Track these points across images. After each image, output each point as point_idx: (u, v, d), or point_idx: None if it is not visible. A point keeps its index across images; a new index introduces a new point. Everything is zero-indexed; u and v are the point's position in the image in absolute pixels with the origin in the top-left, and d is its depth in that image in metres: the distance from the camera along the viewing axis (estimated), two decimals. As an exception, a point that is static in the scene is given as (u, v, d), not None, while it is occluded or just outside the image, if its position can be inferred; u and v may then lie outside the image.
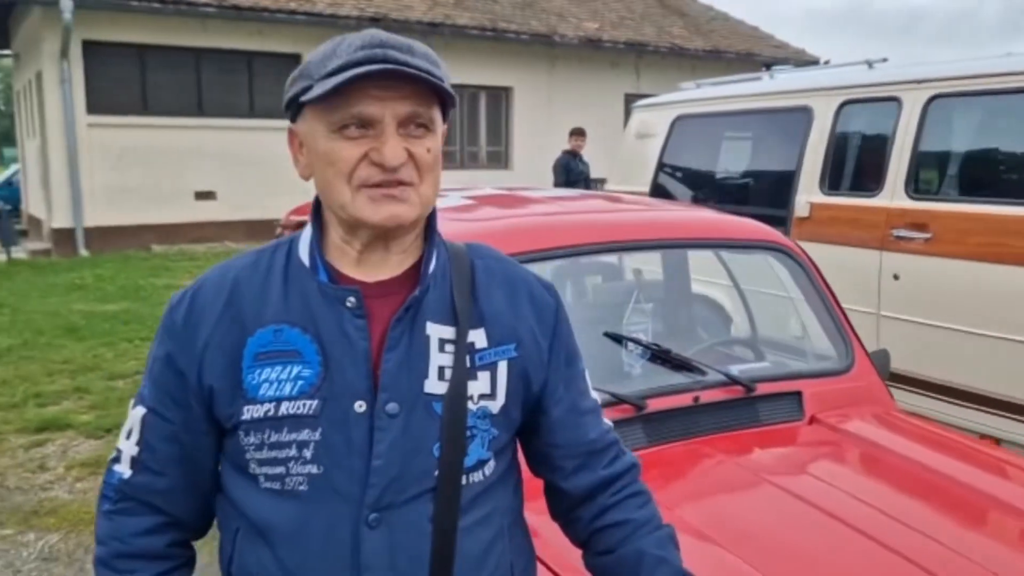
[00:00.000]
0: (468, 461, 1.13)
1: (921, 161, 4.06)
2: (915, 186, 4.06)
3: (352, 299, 1.11)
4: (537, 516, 1.38)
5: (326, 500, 1.08)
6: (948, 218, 3.86)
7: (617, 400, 2.08)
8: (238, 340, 1.11)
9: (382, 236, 1.12)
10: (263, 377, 1.09)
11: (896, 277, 4.05)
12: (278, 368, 1.09)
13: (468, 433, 1.12)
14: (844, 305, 2.68)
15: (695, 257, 3.09)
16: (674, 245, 2.69)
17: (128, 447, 1.16)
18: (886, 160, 4.16)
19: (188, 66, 12.71)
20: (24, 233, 15.01)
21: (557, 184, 9.85)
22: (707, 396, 2.19)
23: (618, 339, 2.39)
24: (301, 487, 1.08)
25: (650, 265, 3.26)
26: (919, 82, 4.09)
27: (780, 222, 4.52)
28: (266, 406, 1.09)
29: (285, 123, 1.18)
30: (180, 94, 12.69)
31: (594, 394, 1.30)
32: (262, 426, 1.09)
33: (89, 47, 11.95)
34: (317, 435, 1.08)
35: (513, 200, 2.89)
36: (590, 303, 3.03)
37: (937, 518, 1.86)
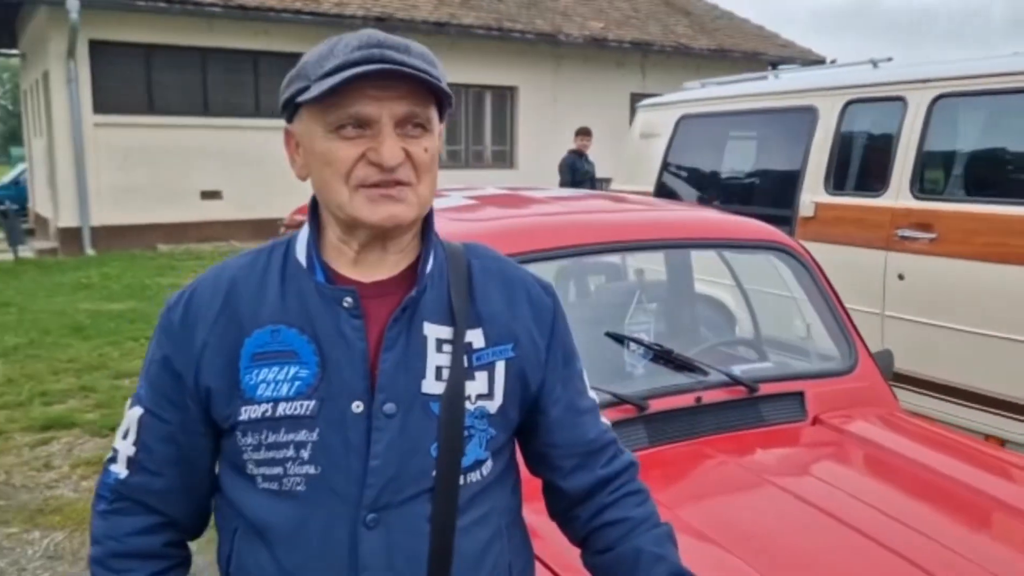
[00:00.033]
0: (466, 461, 1.12)
1: (926, 161, 4.05)
2: (920, 186, 4.04)
3: (349, 299, 1.11)
4: (537, 516, 1.38)
5: (324, 500, 1.08)
6: (953, 218, 3.85)
7: (619, 400, 2.08)
8: (235, 341, 1.11)
9: (380, 236, 1.12)
10: (260, 378, 1.09)
11: (901, 277, 4.04)
12: (275, 369, 1.09)
13: (465, 433, 1.12)
14: (849, 305, 2.67)
15: (699, 257, 3.08)
16: (677, 245, 2.68)
17: (125, 447, 1.16)
18: (891, 160, 4.15)
19: (194, 66, 12.74)
20: (31, 232, 15.08)
21: (563, 184, 9.84)
22: (709, 396, 2.19)
23: (620, 339, 2.39)
24: (299, 487, 1.08)
25: (654, 265, 3.26)
26: (924, 82, 4.08)
27: (785, 222, 4.52)
28: (263, 407, 1.09)
29: (291, 123, 1.18)
30: (186, 94, 12.73)
31: (592, 393, 1.30)
32: (259, 427, 1.09)
33: (95, 47, 11.98)
34: (314, 435, 1.08)
35: (515, 200, 2.89)
36: (593, 303, 3.03)
37: (940, 520, 1.85)
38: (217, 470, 1.20)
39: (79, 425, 5.03)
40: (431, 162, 1.11)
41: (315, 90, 1.04)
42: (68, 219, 12.14)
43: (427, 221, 1.18)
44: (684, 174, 5.60)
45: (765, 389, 2.27)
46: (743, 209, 4.63)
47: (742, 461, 2.05)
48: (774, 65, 14.64)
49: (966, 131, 4.09)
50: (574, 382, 1.26)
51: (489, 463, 1.17)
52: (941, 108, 3.99)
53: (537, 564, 1.52)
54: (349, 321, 1.10)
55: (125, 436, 1.17)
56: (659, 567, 1.19)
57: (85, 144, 11.92)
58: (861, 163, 4.44)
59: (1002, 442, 3.62)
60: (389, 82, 1.04)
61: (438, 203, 2.67)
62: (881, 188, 4.20)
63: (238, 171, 12.50)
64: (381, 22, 13.07)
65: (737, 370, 2.32)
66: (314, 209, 1.17)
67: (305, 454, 1.08)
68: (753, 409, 2.24)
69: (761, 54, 16.78)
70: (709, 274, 3.26)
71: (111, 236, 12.23)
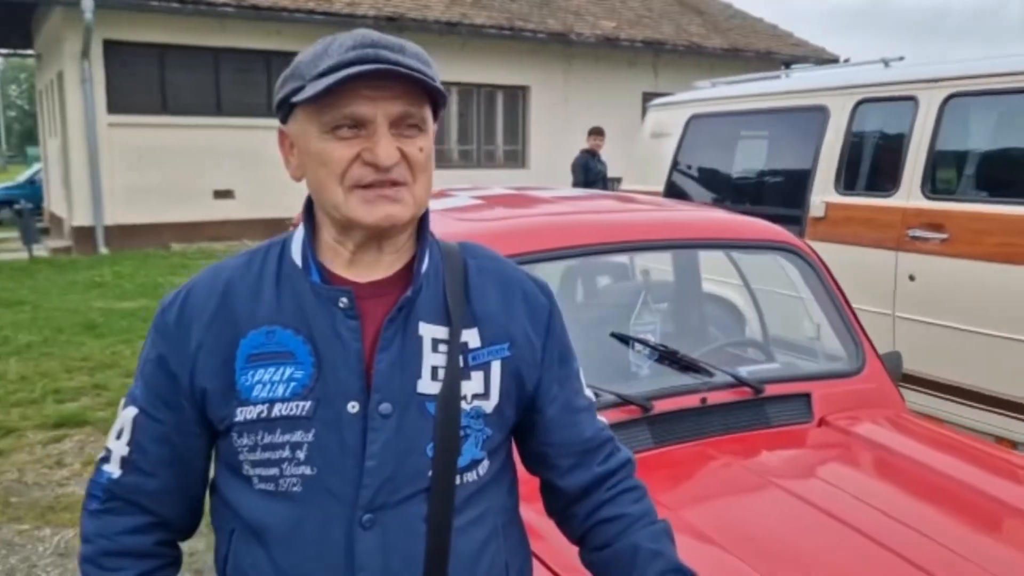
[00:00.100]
0: (462, 461, 1.12)
1: (937, 161, 4.02)
2: (931, 186, 4.02)
3: (344, 300, 1.11)
4: (538, 516, 1.38)
5: (320, 501, 1.08)
6: (965, 218, 3.82)
7: (624, 401, 2.08)
8: (231, 341, 1.11)
9: (375, 237, 1.12)
10: (256, 379, 1.09)
11: (912, 278, 4.02)
12: (271, 369, 1.09)
13: (461, 433, 1.12)
14: (859, 306, 2.66)
15: (706, 257, 3.07)
16: (683, 245, 2.67)
17: (118, 447, 1.16)
18: (902, 160, 4.12)
19: (207, 66, 12.80)
20: (45, 231, 15.20)
21: (576, 184, 9.83)
22: (714, 397, 2.18)
23: (625, 340, 2.38)
24: (295, 488, 1.09)
25: (661, 265, 3.25)
26: (936, 81, 4.05)
27: (795, 222, 4.50)
28: (259, 408, 1.09)
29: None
30: (199, 94, 12.79)
31: (589, 392, 1.30)
32: (255, 428, 1.09)
33: (109, 47, 12.06)
34: (310, 436, 1.08)
35: (521, 200, 2.88)
36: (599, 303, 3.02)
37: (946, 523, 1.84)
38: (213, 471, 1.20)
39: (91, 423, 5.07)
40: (426, 162, 1.11)
41: (310, 90, 1.04)
42: (82, 218, 12.22)
43: (422, 221, 1.18)
44: (694, 174, 5.59)
45: (771, 390, 2.25)
46: (753, 209, 4.62)
47: (747, 463, 2.04)
48: (787, 64, 14.59)
49: (978, 131, 4.06)
50: (571, 381, 1.26)
51: (485, 463, 1.17)
52: (953, 107, 3.96)
53: (538, 564, 1.52)
54: (345, 322, 1.10)
55: (119, 436, 1.17)
56: (656, 563, 1.19)
57: (99, 144, 11.99)
58: (872, 163, 4.41)
59: (1014, 444, 3.59)
60: (384, 82, 1.04)
61: (445, 203, 2.69)
62: (892, 188, 4.17)
63: (250, 171, 12.55)
64: (393, 22, 13.09)
65: (743, 371, 2.31)
66: (309, 209, 1.17)
67: (301, 455, 1.08)
68: (759, 410, 2.23)
69: (774, 53, 16.70)
70: (716, 274, 3.25)
71: (124, 235, 12.31)
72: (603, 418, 1.31)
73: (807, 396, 2.30)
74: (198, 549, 3.19)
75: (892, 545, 1.67)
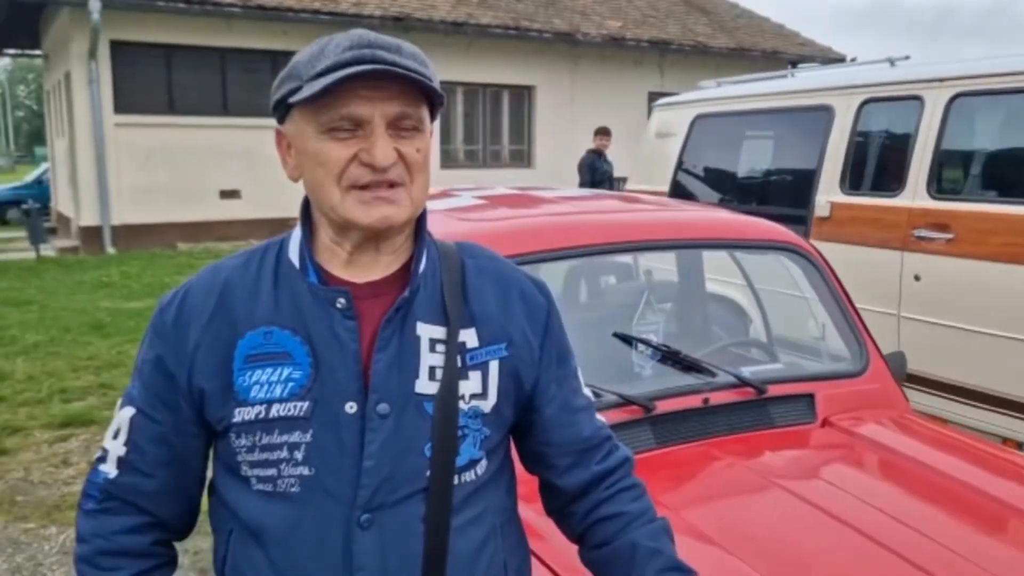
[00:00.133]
0: (460, 461, 1.12)
1: (943, 160, 4.01)
2: (937, 186, 4.00)
3: (342, 300, 1.11)
4: (539, 516, 1.38)
5: (318, 501, 1.08)
6: (971, 218, 3.80)
7: (625, 401, 2.07)
8: (229, 342, 1.11)
9: (372, 238, 1.12)
10: (254, 379, 1.10)
11: (917, 278, 4.00)
12: (269, 370, 1.09)
13: (459, 433, 1.12)
14: (865, 306, 2.65)
15: (710, 257, 3.07)
16: (686, 245, 2.67)
17: (115, 447, 1.16)
18: (908, 159, 4.10)
19: (213, 66, 12.84)
20: (53, 231, 15.26)
21: (583, 184, 9.84)
22: (717, 398, 2.17)
23: (628, 340, 2.38)
24: (293, 488, 1.09)
25: (665, 265, 3.24)
26: (941, 80, 4.03)
27: (800, 222, 4.49)
28: (257, 408, 1.09)
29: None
30: (205, 94, 12.83)
31: (587, 391, 1.30)
32: (253, 428, 1.09)
33: (116, 47, 12.11)
34: (308, 436, 1.08)
35: (524, 200, 2.88)
36: (602, 304, 3.02)
37: (950, 524, 1.83)
38: (211, 472, 1.20)
39: (97, 422, 5.08)
40: (423, 162, 1.11)
41: (307, 91, 1.05)
42: (89, 218, 12.27)
43: (420, 221, 1.18)
44: (699, 174, 5.58)
45: (774, 390, 2.24)
46: (758, 209, 4.61)
47: (749, 463, 2.03)
48: (794, 64, 14.56)
49: (984, 130, 4.04)
50: (569, 380, 1.26)
51: (483, 462, 1.17)
52: (959, 107, 3.95)
53: (539, 564, 1.52)
54: (342, 322, 1.10)
55: (116, 436, 1.17)
56: (655, 561, 1.18)
57: (106, 144, 12.04)
58: (877, 163, 4.39)
59: (1019, 445, 3.58)
60: (381, 82, 1.05)
61: (448, 203, 2.69)
62: (897, 188, 4.16)
63: (257, 170, 12.57)
64: (399, 22, 13.11)
65: (746, 371, 2.31)
66: (306, 210, 1.17)
67: (299, 455, 1.08)
68: (762, 411, 2.22)
69: (781, 53, 16.66)
70: (720, 274, 3.24)
71: (131, 235, 12.35)
72: (602, 417, 1.31)
73: (810, 397, 2.29)
74: (203, 548, 3.20)
75: (895, 546, 1.66)
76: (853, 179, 4.43)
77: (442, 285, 1.16)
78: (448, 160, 14.50)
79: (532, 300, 1.23)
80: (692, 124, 5.55)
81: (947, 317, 3.89)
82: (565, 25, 14.95)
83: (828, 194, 4.50)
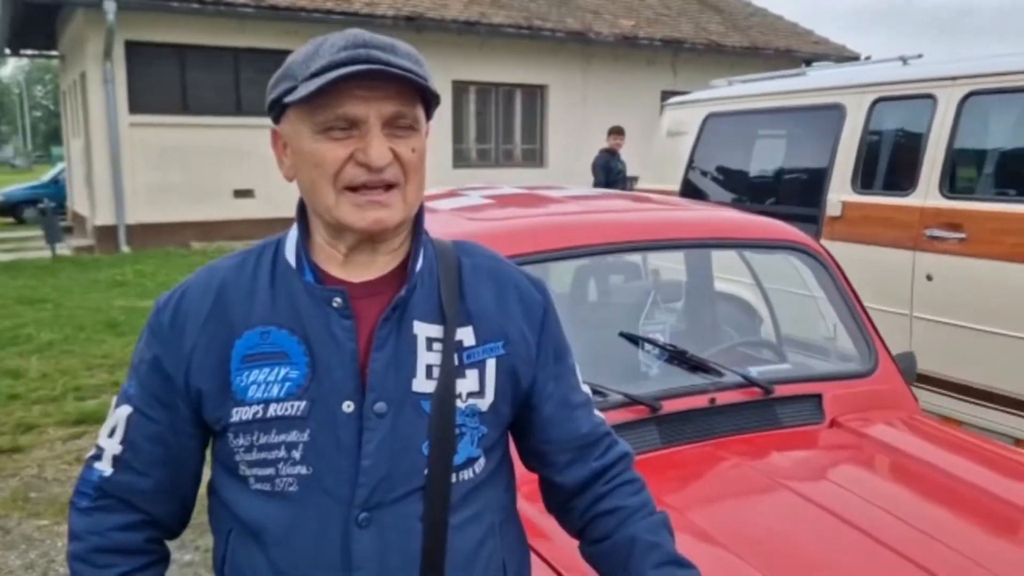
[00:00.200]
0: (458, 459, 1.13)
1: (956, 160, 3.98)
2: (949, 185, 3.97)
3: (339, 300, 1.11)
4: (541, 514, 1.38)
5: (316, 500, 1.09)
6: (983, 218, 3.78)
7: (632, 401, 2.07)
8: (226, 342, 1.11)
9: (368, 240, 1.12)
10: (251, 379, 1.10)
11: (929, 278, 3.98)
12: (266, 370, 1.10)
13: (457, 431, 1.12)
14: (876, 306, 2.63)
15: (719, 257, 3.06)
16: (695, 245, 2.65)
17: (111, 445, 1.16)
18: (920, 159, 4.08)
19: (227, 66, 12.90)
20: (69, 230, 15.37)
21: (597, 183, 9.82)
22: (723, 398, 2.16)
23: (634, 339, 2.37)
24: (291, 488, 1.09)
25: (673, 265, 3.23)
26: (954, 79, 4.00)
27: (812, 221, 4.47)
28: (254, 408, 1.09)
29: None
30: (219, 94, 12.89)
31: (585, 388, 1.30)
32: (251, 428, 1.09)
33: (131, 48, 12.18)
34: (306, 436, 1.08)
35: (532, 199, 2.88)
36: (610, 303, 3.01)
37: (958, 526, 1.81)
38: (210, 472, 1.20)
39: (110, 420, 5.12)
40: (419, 162, 1.11)
41: (302, 90, 1.05)
42: (104, 217, 12.36)
43: (417, 219, 1.18)
44: (710, 173, 5.56)
45: (781, 391, 2.23)
46: (769, 208, 4.60)
47: (755, 464, 2.02)
48: (808, 62, 14.48)
49: (997, 129, 4.01)
50: (566, 378, 1.26)
51: (481, 461, 1.17)
52: (971, 106, 3.92)
53: (541, 563, 1.52)
54: (339, 321, 1.10)
55: (111, 434, 1.17)
56: (654, 554, 1.18)
57: (121, 143, 12.13)
58: (889, 162, 4.37)
59: (1032, 446, 3.55)
60: (376, 82, 1.05)
61: (456, 202, 2.69)
62: (910, 187, 4.13)
63: (270, 170, 12.37)
64: (411, 21, 13.13)
65: (754, 371, 2.29)
66: (302, 210, 1.17)
67: (296, 455, 1.08)
68: (768, 411, 2.21)
69: (794, 51, 16.57)
70: (729, 274, 3.23)
71: (146, 234, 12.43)
72: (600, 413, 1.31)
73: (818, 397, 2.28)
74: (210, 547, 3.22)
75: (902, 549, 1.65)
76: (865, 178, 4.40)
77: (439, 283, 1.16)
78: (460, 159, 14.51)
79: (529, 298, 1.22)
80: (703, 123, 5.53)
81: (959, 317, 3.86)
82: (577, 24, 14.93)
83: (840, 193, 4.48)
